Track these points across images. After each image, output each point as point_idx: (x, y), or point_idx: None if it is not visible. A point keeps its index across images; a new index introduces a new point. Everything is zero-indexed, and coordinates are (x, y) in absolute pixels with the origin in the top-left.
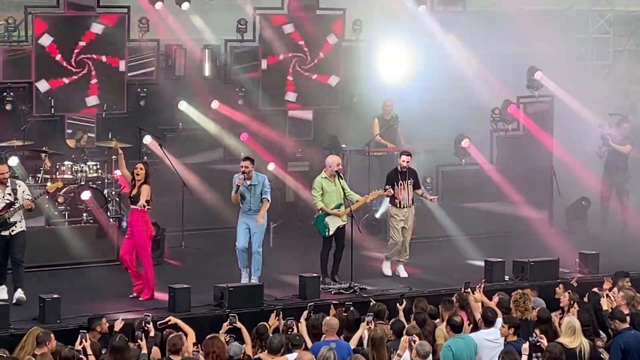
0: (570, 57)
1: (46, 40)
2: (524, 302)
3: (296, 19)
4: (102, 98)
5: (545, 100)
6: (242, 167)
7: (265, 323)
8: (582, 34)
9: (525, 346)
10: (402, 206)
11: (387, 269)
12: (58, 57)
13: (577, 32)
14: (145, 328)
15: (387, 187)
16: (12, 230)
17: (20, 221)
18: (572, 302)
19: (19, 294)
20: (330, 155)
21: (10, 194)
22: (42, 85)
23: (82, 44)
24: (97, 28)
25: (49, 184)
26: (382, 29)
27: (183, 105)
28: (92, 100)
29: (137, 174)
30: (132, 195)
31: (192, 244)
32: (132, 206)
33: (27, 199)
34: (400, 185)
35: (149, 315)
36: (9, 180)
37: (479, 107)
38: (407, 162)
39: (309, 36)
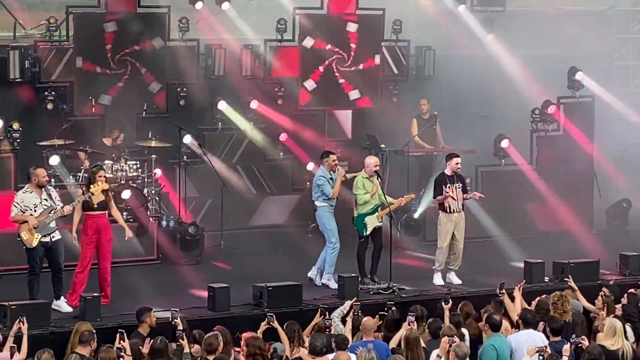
0: (611, 57)
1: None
2: (562, 304)
3: (332, 18)
4: (143, 97)
5: (586, 101)
6: (334, 161)
7: (293, 321)
8: (623, 34)
9: (567, 347)
10: (451, 211)
11: (438, 279)
12: (97, 69)
13: (618, 32)
14: (173, 323)
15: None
16: (52, 237)
17: (56, 228)
18: (605, 304)
19: (62, 303)
20: (370, 156)
21: (46, 199)
22: (105, 100)
23: (109, 46)
24: (138, 27)
25: (93, 186)
26: (421, 29)
27: (222, 105)
28: (152, 88)
29: (103, 181)
30: (97, 201)
31: (231, 244)
32: (98, 212)
33: (68, 205)
34: (449, 189)
35: (176, 311)
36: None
37: (519, 107)
38: (459, 164)
39: (361, 42)
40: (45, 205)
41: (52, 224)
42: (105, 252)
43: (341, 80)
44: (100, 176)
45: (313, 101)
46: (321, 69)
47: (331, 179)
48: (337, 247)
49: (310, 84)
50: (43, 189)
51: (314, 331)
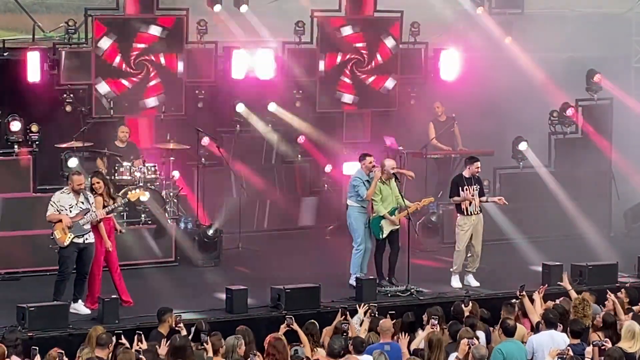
0: (630, 59)
1: (105, 42)
2: (582, 308)
3: (354, 21)
4: (161, 99)
5: (604, 103)
6: (370, 163)
7: (314, 321)
8: None
9: (589, 349)
10: (469, 213)
11: (455, 282)
12: (117, 59)
13: (637, 35)
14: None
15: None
16: (86, 239)
17: (90, 231)
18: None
19: (80, 305)
20: (387, 159)
21: (82, 202)
22: (102, 88)
23: (140, 46)
24: (155, 30)
25: (129, 193)
26: (440, 31)
27: (241, 107)
28: (151, 101)
29: (98, 187)
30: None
31: (249, 246)
32: (108, 216)
33: (103, 211)
34: (467, 191)
35: (179, 315)
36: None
37: (537, 109)
38: (479, 168)
39: (367, 39)
40: (81, 207)
41: (87, 226)
42: (115, 256)
43: (370, 79)
44: (96, 182)
45: (358, 109)
46: (347, 80)
47: (367, 181)
48: (361, 248)
49: (349, 98)
50: (80, 193)
51: (333, 333)
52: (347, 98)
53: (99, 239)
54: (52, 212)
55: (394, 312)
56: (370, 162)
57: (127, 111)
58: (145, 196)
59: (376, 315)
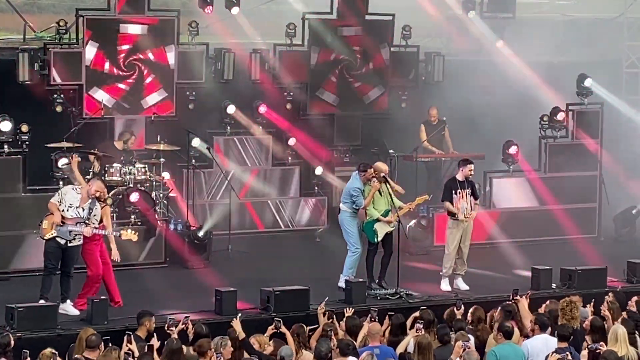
0: (621, 64)
1: (91, 50)
2: (570, 310)
3: (349, 24)
4: (162, 94)
5: (595, 108)
6: (370, 174)
7: (302, 324)
8: (633, 41)
9: (584, 353)
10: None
11: (445, 285)
12: (107, 65)
13: (628, 39)
14: (185, 328)
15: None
16: (69, 242)
17: (78, 236)
18: (611, 311)
19: (68, 306)
20: (379, 162)
21: (84, 209)
22: (99, 95)
23: (125, 47)
24: (138, 29)
25: (123, 232)
26: (431, 35)
27: (231, 109)
28: (151, 99)
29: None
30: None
31: (239, 247)
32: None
33: (88, 228)
34: (459, 194)
35: (188, 317)
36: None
37: (528, 113)
38: (472, 171)
39: (364, 43)
40: (78, 213)
41: (72, 233)
42: (107, 257)
43: (357, 84)
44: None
45: (340, 111)
46: (333, 79)
47: (363, 190)
48: (358, 250)
49: (330, 97)
50: (90, 200)
51: (320, 336)
52: (328, 97)
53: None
54: (54, 202)
55: (392, 312)
56: (370, 174)
57: (130, 112)
58: (135, 237)
59: (376, 319)
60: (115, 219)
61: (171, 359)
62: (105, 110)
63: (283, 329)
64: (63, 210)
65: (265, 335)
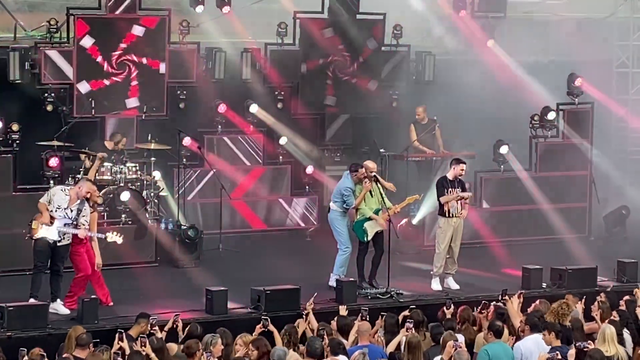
0: (611, 64)
1: (87, 42)
2: (560, 307)
3: (337, 23)
4: (142, 100)
5: (586, 108)
6: (362, 174)
7: (294, 325)
8: (623, 41)
9: (572, 352)
10: (451, 215)
11: (436, 285)
12: (99, 59)
13: (618, 39)
14: (175, 326)
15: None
16: (58, 241)
17: (67, 235)
18: (601, 311)
19: (58, 305)
20: (368, 160)
21: (72, 210)
22: (83, 87)
23: (122, 46)
24: (137, 30)
25: (108, 234)
26: (421, 34)
27: (222, 108)
28: (132, 102)
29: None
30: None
31: (229, 247)
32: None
33: (83, 230)
34: (450, 193)
35: (178, 315)
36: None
37: (518, 113)
38: (464, 170)
39: (349, 41)
40: (67, 214)
41: (61, 234)
42: (93, 257)
43: (353, 80)
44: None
45: (340, 111)
46: (329, 82)
47: (354, 190)
48: (348, 249)
49: (331, 100)
50: (79, 201)
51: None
52: (329, 100)
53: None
54: (44, 201)
55: (385, 313)
56: (362, 174)
57: (108, 110)
58: (120, 240)
59: (367, 318)
60: (105, 218)
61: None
62: (87, 105)
63: (271, 327)
64: (51, 211)
65: (253, 334)
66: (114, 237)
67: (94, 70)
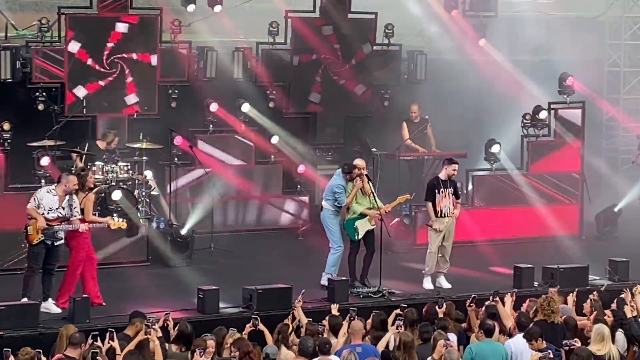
0: (603, 63)
1: (74, 47)
2: (548, 304)
3: (336, 22)
4: (141, 95)
5: (577, 107)
6: (354, 174)
7: (288, 323)
8: (614, 40)
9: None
10: (443, 215)
11: (427, 283)
12: (89, 61)
13: (609, 39)
14: (166, 325)
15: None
16: (54, 243)
17: (62, 238)
18: (593, 309)
19: (50, 304)
20: (357, 159)
21: (64, 207)
22: (80, 92)
23: (109, 45)
24: (121, 27)
25: (111, 220)
26: (413, 33)
27: (214, 107)
28: (132, 98)
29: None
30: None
31: (221, 246)
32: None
33: (84, 225)
34: (442, 193)
35: (168, 313)
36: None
37: (510, 112)
38: (456, 170)
39: (346, 41)
40: (60, 213)
41: (60, 234)
42: (93, 253)
43: (341, 82)
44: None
45: (324, 110)
46: (318, 79)
47: (345, 188)
48: (340, 248)
49: (315, 97)
50: (67, 197)
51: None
52: (314, 97)
53: (83, 243)
54: (33, 206)
55: (377, 311)
56: (355, 174)
57: (108, 110)
58: (124, 225)
59: (355, 318)
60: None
61: (141, 352)
62: (79, 106)
63: (261, 327)
64: (44, 214)
65: (243, 333)
66: (117, 223)
67: (87, 73)
